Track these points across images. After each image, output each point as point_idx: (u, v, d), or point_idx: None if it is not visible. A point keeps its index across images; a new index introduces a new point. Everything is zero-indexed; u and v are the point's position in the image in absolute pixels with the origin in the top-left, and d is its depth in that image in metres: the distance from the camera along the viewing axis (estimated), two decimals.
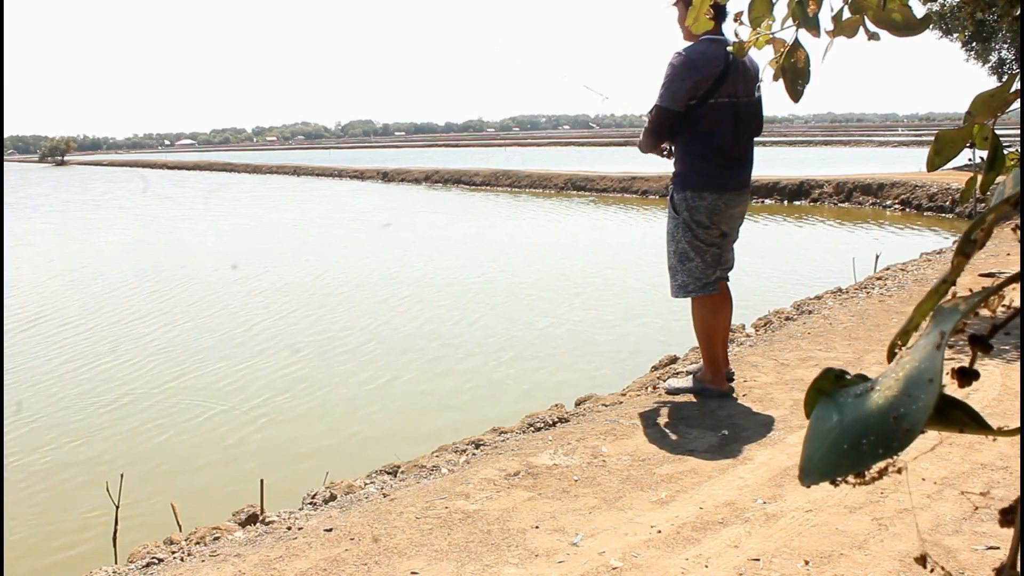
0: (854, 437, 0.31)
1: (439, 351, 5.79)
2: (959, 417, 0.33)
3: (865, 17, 1.16)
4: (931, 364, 0.31)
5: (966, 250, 0.36)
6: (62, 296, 8.52)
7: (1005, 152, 0.80)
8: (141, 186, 31.56)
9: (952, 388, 0.33)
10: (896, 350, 0.38)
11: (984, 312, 0.37)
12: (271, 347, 6.06)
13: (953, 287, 0.36)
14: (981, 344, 0.33)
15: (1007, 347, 3.81)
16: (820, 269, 8.39)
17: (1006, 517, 0.33)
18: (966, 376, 0.34)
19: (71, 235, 15.26)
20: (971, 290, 0.35)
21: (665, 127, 3.31)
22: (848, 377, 0.36)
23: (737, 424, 3.12)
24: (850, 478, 0.33)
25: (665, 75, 3.25)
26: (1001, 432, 0.33)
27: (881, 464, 0.31)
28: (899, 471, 0.33)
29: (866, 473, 0.33)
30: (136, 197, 25.79)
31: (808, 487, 0.33)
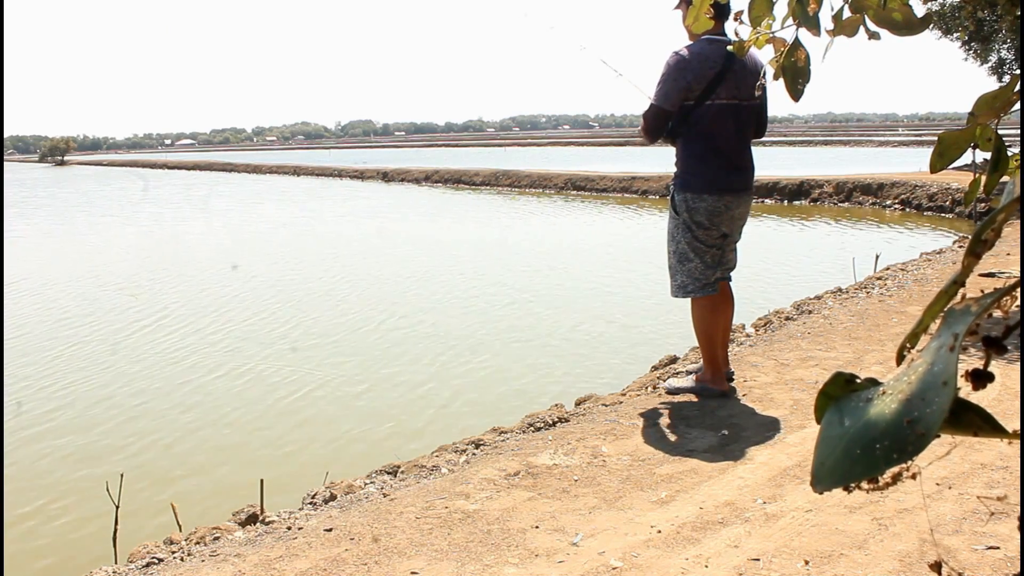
0: (867, 442, 0.30)
1: (439, 351, 5.78)
2: (973, 420, 0.32)
3: (865, 16, 1.15)
4: (945, 367, 0.30)
5: (977, 250, 0.36)
6: (63, 296, 8.52)
7: (1009, 153, 0.80)
8: (141, 185, 31.55)
9: (962, 391, 0.33)
10: (905, 352, 0.37)
11: (991, 313, 0.37)
12: (270, 347, 6.06)
13: (963, 288, 0.36)
14: (996, 346, 0.32)
15: (1007, 347, 3.80)
16: (820, 269, 8.38)
17: None
18: (981, 379, 0.33)
19: (76, 235, 15.26)
20: (983, 290, 0.35)
21: (660, 126, 3.30)
22: (859, 381, 0.35)
23: (737, 424, 3.12)
24: (863, 484, 0.32)
25: (661, 74, 3.25)
26: (1016, 435, 0.32)
27: (895, 469, 0.30)
28: (913, 476, 0.33)
29: (880, 478, 0.32)
30: (157, 196, 25.77)
31: (820, 494, 0.32)
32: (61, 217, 19.12)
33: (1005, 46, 18.11)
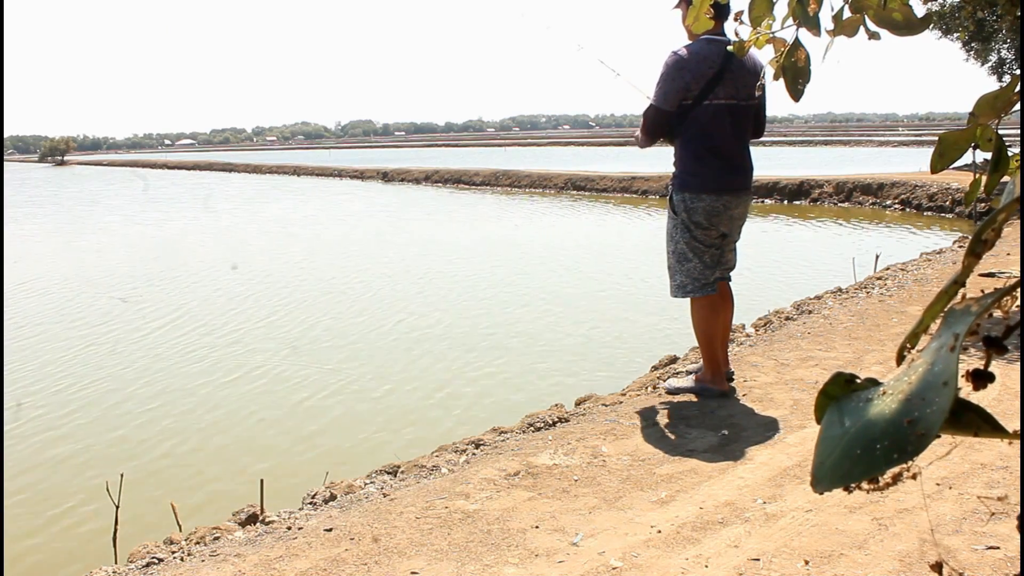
0: (867, 442, 0.30)
1: (439, 351, 5.78)
2: (973, 420, 0.32)
3: (865, 16, 1.15)
4: (946, 367, 0.30)
5: (977, 250, 0.36)
6: (64, 296, 8.51)
7: (1009, 154, 0.80)
8: (141, 185, 31.55)
9: (963, 391, 0.33)
10: (906, 353, 0.37)
11: (993, 314, 0.37)
12: (270, 347, 6.06)
13: (963, 288, 0.36)
14: (996, 346, 0.32)
15: (1007, 347, 3.80)
16: (820, 269, 8.38)
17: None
18: (981, 379, 0.33)
19: (84, 234, 15.26)
20: (983, 290, 0.35)
21: (658, 126, 3.30)
22: (859, 381, 0.35)
23: (737, 424, 3.11)
24: (863, 484, 0.32)
25: (659, 74, 3.25)
26: (1016, 435, 0.32)
27: (895, 469, 0.30)
28: (913, 476, 0.33)
29: (880, 479, 0.32)
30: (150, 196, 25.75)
31: (821, 494, 0.32)
32: (68, 216, 19.13)
33: (1005, 46, 18.11)
